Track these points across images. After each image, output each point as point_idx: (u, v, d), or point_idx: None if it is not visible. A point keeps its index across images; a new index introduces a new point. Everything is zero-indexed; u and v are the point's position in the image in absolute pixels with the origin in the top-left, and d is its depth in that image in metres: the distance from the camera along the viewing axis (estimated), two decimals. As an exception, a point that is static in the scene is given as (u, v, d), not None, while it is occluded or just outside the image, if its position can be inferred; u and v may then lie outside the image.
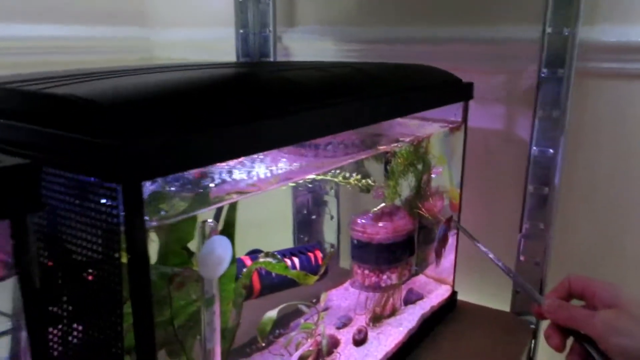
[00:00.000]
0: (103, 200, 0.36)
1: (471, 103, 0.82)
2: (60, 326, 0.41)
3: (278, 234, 1.00)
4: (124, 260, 0.37)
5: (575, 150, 0.84)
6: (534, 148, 0.82)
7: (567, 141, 0.80)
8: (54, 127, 0.37)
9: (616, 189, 0.84)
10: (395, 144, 0.70)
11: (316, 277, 0.60)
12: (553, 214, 0.82)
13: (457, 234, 0.85)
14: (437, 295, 0.85)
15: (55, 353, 0.41)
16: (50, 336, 0.41)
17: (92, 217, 0.37)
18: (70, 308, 0.40)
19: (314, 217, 0.97)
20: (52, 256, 0.40)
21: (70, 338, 0.40)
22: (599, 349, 0.51)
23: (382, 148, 0.66)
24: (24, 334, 0.47)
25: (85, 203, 0.37)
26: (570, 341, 0.57)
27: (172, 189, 0.44)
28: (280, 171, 0.50)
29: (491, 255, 0.71)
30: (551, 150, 0.80)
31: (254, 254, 0.68)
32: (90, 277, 0.39)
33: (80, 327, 0.41)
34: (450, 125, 0.82)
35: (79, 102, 0.35)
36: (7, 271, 0.31)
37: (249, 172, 0.48)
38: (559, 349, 0.55)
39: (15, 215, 0.28)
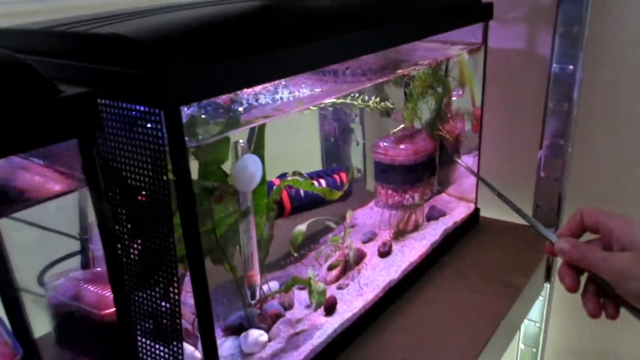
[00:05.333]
0: (149, 125, 0.42)
1: (491, 23, 0.82)
2: (123, 239, 0.47)
3: (307, 161, 1.05)
4: (170, 177, 0.43)
5: (595, 67, 0.84)
6: (554, 65, 0.83)
7: (587, 57, 0.80)
8: (101, 63, 0.42)
9: (636, 104, 0.84)
10: (414, 67, 0.72)
11: (340, 193, 0.65)
12: (572, 130, 0.84)
13: (479, 155, 0.88)
14: (460, 212, 0.90)
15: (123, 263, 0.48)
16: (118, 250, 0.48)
17: (140, 141, 0.43)
18: (128, 223, 0.47)
19: (340, 144, 1.02)
20: (109, 179, 0.47)
21: (132, 250, 0.47)
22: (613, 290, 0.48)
23: (400, 72, 0.69)
24: (92, 247, 0.55)
25: (134, 129, 0.43)
26: (584, 278, 0.53)
27: (207, 115, 0.49)
28: (302, 95, 0.54)
29: (497, 192, 0.66)
30: (571, 67, 0.81)
31: (284, 176, 0.74)
32: (142, 195, 0.45)
33: (139, 240, 0.47)
34: (470, 47, 0.84)
35: (122, 39, 0.40)
36: (76, 184, 0.38)
37: (273, 98, 0.53)
38: (573, 289, 0.51)
39: (82, 135, 0.34)
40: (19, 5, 0.67)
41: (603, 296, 0.50)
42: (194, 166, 0.53)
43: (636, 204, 0.89)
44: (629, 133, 0.86)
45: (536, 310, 0.94)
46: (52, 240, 0.55)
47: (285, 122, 0.61)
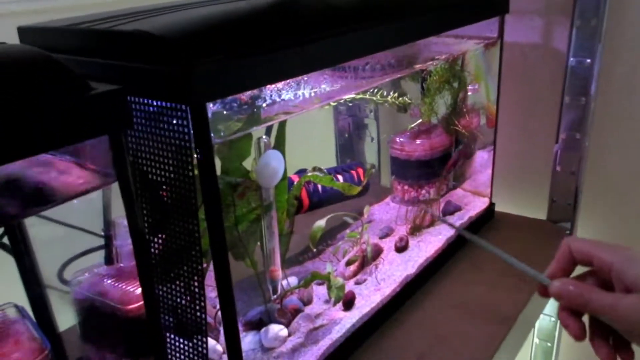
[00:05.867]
0: (174, 121, 0.42)
1: (507, 17, 0.82)
2: (149, 234, 0.48)
3: (322, 157, 1.05)
4: (196, 172, 0.43)
5: (612, 60, 0.83)
6: (571, 59, 0.82)
7: (605, 50, 0.80)
8: (128, 60, 0.42)
9: (655, 96, 0.84)
10: (431, 62, 0.72)
11: (359, 188, 0.65)
12: (589, 123, 0.84)
13: (494, 150, 0.88)
14: (475, 206, 0.90)
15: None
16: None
17: (166, 137, 0.43)
18: (154, 218, 0.47)
19: (355, 140, 1.02)
20: (136, 175, 0.47)
21: (158, 245, 0.47)
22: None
23: (417, 67, 0.69)
24: (116, 243, 0.55)
25: (161, 125, 0.43)
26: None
27: (229, 111, 0.50)
28: (322, 91, 0.54)
29: (482, 243, 0.52)
30: (588, 60, 0.80)
31: (301, 172, 0.74)
32: (168, 189, 0.46)
33: (164, 235, 0.48)
34: (486, 41, 0.83)
35: (149, 36, 0.40)
36: (103, 180, 0.38)
37: (295, 94, 0.53)
38: (581, 337, 0.43)
39: (112, 131, 0.34)
40: (20, 4, 0.68)
41: (612, 334, 0.43)
42: (217, 162, 0.54)
43: (653, 198, 0.88)
44: (647, 127, 0.86)
45: (552, 305, 0.94)
46: (74, 237, 0.56)
47: (301, 119, 0.61)
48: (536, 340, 1.00)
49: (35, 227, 0.54)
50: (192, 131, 0.42)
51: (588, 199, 0.92)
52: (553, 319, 0.96)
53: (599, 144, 0.89)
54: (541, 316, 0.96)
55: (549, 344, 0.98)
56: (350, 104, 0.93)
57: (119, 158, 0.36)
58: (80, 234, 0.56)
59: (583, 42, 0.80)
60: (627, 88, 0.85)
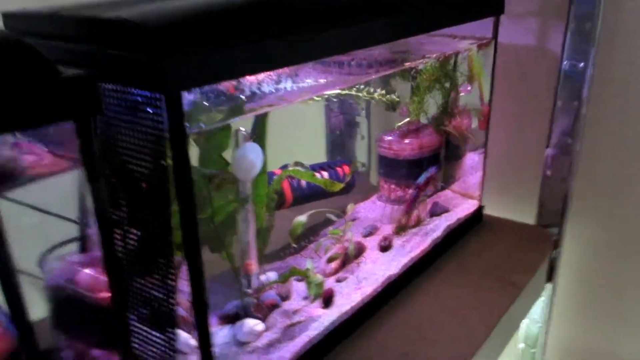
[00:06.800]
0: (150, 110, 0.42)
1: (501, 18, 0.81)
2: (121, 225, 0.47)
3: (312, 154, 1.05)
4: (169, 162, 0.42)
5: (606, 64, 0.83)
6: (565, 62, 0.81)
7: (599, 54, 0.79)
8: (106, 47, 0.42)
9: (648, 103, 0.83)
10: (421, 61, 0.71)
11: (341, 185, 0.65)
12: (581, 128, 0.83)
13: (485, 152, 0.87)
14: (464, 208, 0.89)
15: (119, 251, 0.48)
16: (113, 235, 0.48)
17: (141, 126, 0.43)
18: (126, 209, 0.47)
19: (345, 137, 1.01)
20: (109, 163, 0.47)
21: (129, 236, 0.47)
22: None
23: (407, 64, 0.68)
24: (89, 232, 0.54)
25: (135, 114, 0.43)
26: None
27: (209, 102, 0.49)
28: (306, 86, 0.53)
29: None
30: (582, 64, 0.80)
31: (285, 167, 0.73)
32: (140, 179, 0.45)
33: (137, 226, 0.47)
34: (480, 42, 0.83)
35: (127, 23, 0.40)
36: (68, 165, 0.38)
37: (277, 87, 0.52)
38: None
39: (80, 117, 0.34)
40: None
41: None
42: (195, 153, 0.53)
43: (643, 206, 0.88)
44: (638, 133, 0.85)
45: (538, 310, 0.94)
46: (53, 224, 0.55)
47: (291, 114, 0.60)
48: (521, 345, 0.99)
49: (13, 214, 0.53)
50: (166, 121, 0.41)
51: (578, 204, 0.91)
52: (540, 324, 0.95)
53: (590, 149, 0.88)
54: (528, 321, 0.96)
55: (533, 350, 0.98)
56: (340, 101, 0.92)
57: (86, 145, 0.35)
58: (62, 222, 0.56)
59: (577, 45, 0.80)
60: (620, 93, 0.84)
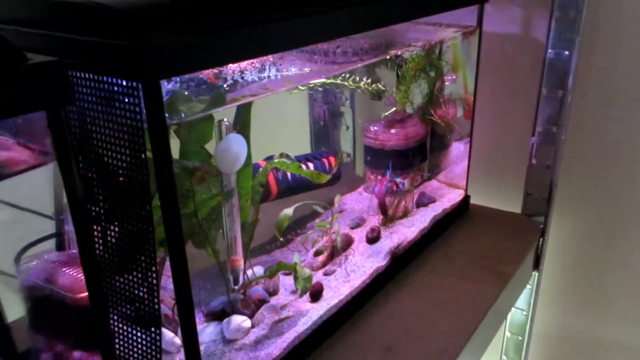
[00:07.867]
0: (127, 100, 0.40)
1: (487, 7, 0.80)
2: (99, 221, 0.45)
3: (296, 144, 1.03)
4: (149, 155, 0.40)
5: (591, 53, 0.83)
6: (550, 51, 0.81)
7: (583, 43, 0.79)
8: (76, 32, 0.39)
9: (632, 92, 0.83)
10: (406, 49, 0.70)
11: (328, 177, 0.63)
12: (566, 117, 0.83)
13: (471, 141, 0.87)
14: (450, 198, 0.89)
15: (98, 248, 0.46)
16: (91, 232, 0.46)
17: (118, 117, 0.41)
18: (105, 204, 0.45)
19: (330, 128, 1.00)
20: (85, 157, 0.44)
21: (109, 232, 0.45)
22: None
23: (392, 52, 0.67)
24: (67, 228, 0.52)
25: (112, 104, 0.41)
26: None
27: (190, 91, 0.47)
28: (290, 74, 0.52)
29: None
30: (566, 52, 0.79)
31: (270, 159, 0.72)
32: (119, 173, 0.43)
33: (116, 222, 0.45)
34: (465, 30, 0.82)
35: (99, 7, 0.37)
36: (43, 159, 0.36)
37: (260, 76, 0.50)
38: None
39: (50, 106, 0.32)
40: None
41: None
42: (175, 145, 0.51)
43: (629, 194, 0.88)
44: (624, 121, 0.85)
45: (524, 299, 0.94)
46: (29, 221, 0.53)
47: (274, 105, 0.58)
48: (507, 333, 1.00)
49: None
50: (144, 111, 0.39)
51: (563, 193, 0.91)
52: (525, 312, 0.96)
53: (575, 138, 0.88)
54: (513, 309, 0.96)
55: (520, 338, 0.98)
56: (325, 90, 0.91)
57: (58, 136, 0.33)
58: (38, 218, 0.53)
59: (561, 34, 0.79)
60: (605, 82, 0.84)
